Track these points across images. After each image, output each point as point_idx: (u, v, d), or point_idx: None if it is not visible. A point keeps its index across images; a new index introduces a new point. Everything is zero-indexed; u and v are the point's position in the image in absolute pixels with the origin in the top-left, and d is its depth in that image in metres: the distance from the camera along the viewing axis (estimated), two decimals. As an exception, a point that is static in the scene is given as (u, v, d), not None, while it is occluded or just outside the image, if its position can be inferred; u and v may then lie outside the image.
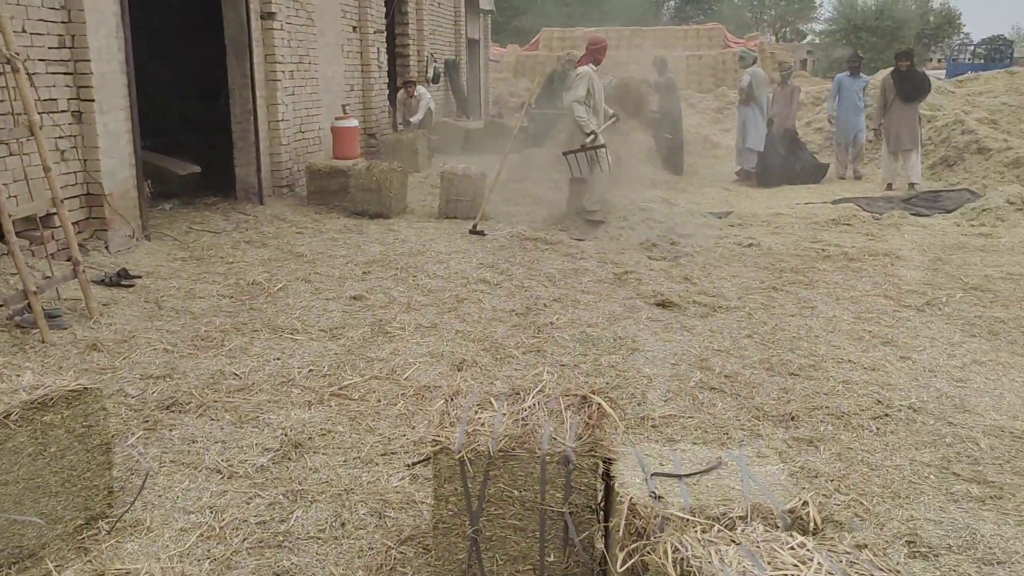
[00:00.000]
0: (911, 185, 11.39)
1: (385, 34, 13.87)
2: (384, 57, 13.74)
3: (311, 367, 4.73)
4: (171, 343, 5.10)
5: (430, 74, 16.09)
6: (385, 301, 6.06)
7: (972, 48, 60.59)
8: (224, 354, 4.93)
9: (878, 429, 4.00)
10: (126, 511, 3.13)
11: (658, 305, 6.07)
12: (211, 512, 3.17)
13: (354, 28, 12.59)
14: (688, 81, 29.57)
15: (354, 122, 10.44)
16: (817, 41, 68.02)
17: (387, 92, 14.03)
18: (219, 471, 3.50)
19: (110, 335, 5.20)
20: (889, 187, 11.83)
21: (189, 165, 9.98)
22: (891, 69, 12.23)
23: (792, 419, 4.09)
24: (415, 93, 13.85)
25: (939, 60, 75.54)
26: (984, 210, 9.23)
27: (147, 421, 3.98)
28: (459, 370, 4.77)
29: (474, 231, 8.46)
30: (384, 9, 13.78)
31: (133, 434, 3.83)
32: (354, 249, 7.75)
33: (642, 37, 34.46)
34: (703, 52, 33.20)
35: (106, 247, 6.98)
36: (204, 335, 5.25)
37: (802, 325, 5.65)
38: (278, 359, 4.88)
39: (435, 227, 8.96)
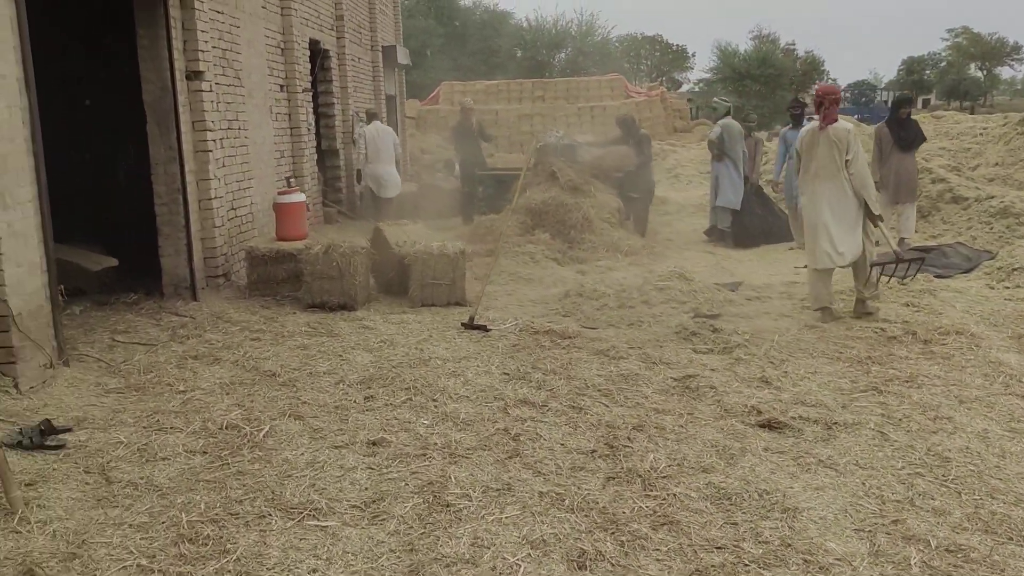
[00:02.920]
0: (901, 240, 10.63)
1: (312, 92, 12.39)
2: (312, 118, 12.24)
3: (373, 587, 3.19)
4: (146, 553, 3.46)
5: (357, 134, 14.60)
6: (417, 446, 4.55)
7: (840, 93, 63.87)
8: (231, 568, 3.32)
9: None
10: None
11: (763, 427, 4.83)
12: None
13: (282, 87, 11.09)
14: (593, 131, 29.10)
15: (301, 196, 8.89)
16: (696, 90, 70.15)
17: (316, 157, 12.50)
18: None
19: (48, 547, 3.50)
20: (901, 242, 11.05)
21: (103, 257, 8.22)
22: (885, 119, 11.53)
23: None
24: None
25: (805, 105, 79.39)
26: (1015, 269, 8.45)
27: None
28: (581, 568, 3.32)
29: (472, 325, 7.05)
30: (310, 65, 12.30)
31: None
32: (336, 361, 6.20)
33: (544, 89, 34.04)
34: (606, 103, 32.94)
35: (15, 385, 5.20)
36: (189, 531, 3.62)
37: (960, 448, 4.48)
38: (314, 572, 3.31)
39: (416, 321, 7.50)
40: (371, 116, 14.10)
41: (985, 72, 72.40)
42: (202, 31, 8.22)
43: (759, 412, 5.01)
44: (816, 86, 17.00)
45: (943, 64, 71.21)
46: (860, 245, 7.25)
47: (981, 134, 16.01)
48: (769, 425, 4.83)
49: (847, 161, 7.17)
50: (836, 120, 7.28)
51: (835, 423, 4.86)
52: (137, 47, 7.87)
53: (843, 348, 6.42)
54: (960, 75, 64.67)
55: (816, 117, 7.48)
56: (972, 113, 34.35)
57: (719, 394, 5.37)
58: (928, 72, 73.42)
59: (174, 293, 8.16)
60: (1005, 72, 77.70)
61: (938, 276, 8.81)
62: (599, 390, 5.48)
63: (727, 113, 12.59)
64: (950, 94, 67.52)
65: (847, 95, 52.19)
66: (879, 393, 5.39)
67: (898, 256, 7.91)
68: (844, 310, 7.50)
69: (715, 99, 13.64)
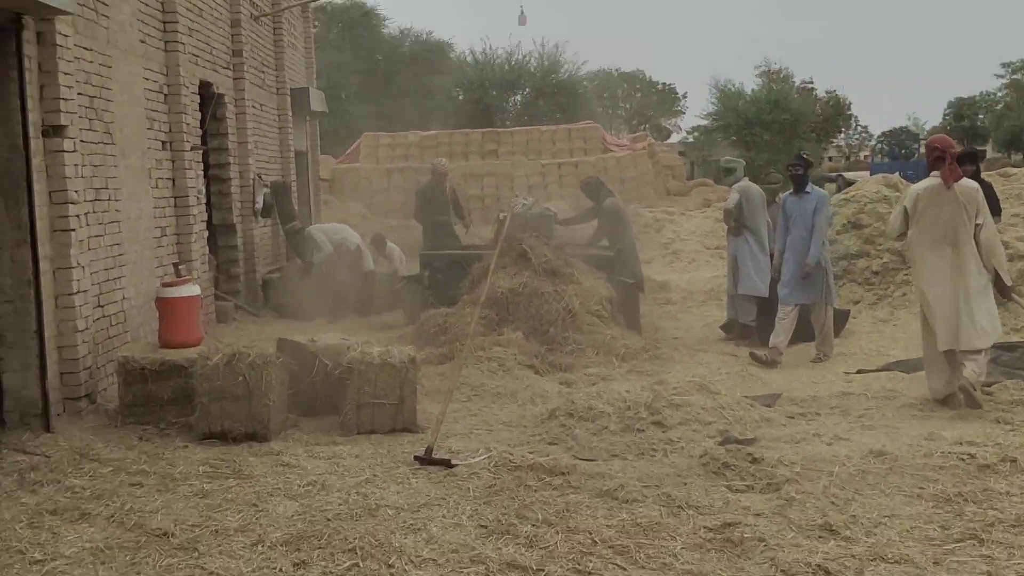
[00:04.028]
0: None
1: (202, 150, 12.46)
2: (203, 184, 12.27)
3: None
4: None
5: (259, 204, 14.67)
6: (374, 634, 4.42)
7: (872, 143, 65.92)
8: None
9: None
10: None
11: (834, 595, 4.78)
12: None
13: (164, 144, 11.14)
14: (564, 195, 29.51)
15: (194, 288, 8.85)
16: (691, 140, 72.10)
17: (207, 235, 12.48)
18: None
19: None
20: None
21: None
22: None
23: None
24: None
25: (829, 158, 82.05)
26: None
27: None
28: None
29: (430, 460, 6.99)
30: (199, 115, 12.39)
31: None
32: (250, 513, 6.06)
33: (497, 141, 34.64)
34: (578, 158, 33.58)
35: None
36: None
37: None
38: None
39: (353, 454, 7.42)
40: (277, 190, 14.47)
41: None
42: (65, 73, 8.29)
43: (828, 573, 4.97)
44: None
45: (999, 106, 74.11)
46: (997, 320, 8.10)
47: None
48: (842, 592, 4.79)
49: (978, 226, 7.94)
50: (962, 177, 7.90)
51: (932, 589, 4.84)
52: (-23, 95, 7.88)
53: (923, 481, 6.44)
54: (1022, 120, 67.35)
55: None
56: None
57: (770, 549, 5.33)
58: (982, 116, 76.37)
59: (20, 422, 8.03)
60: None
61: (1026, 380, 8.95)
62: (611, 547, 5.41)
63: (743, 175, 12.90)
64: (1010, 144, 70.01)
65: (881, 146, 53.94)
66: (980, 543, 5.40)
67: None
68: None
69: (726, 159, 13.97)
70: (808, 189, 11.35)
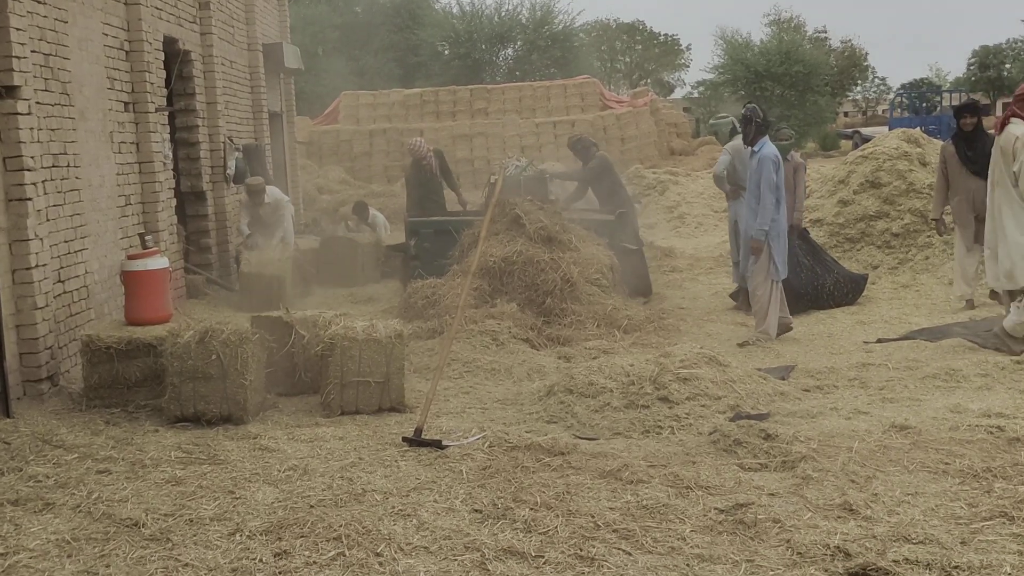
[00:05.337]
0: (993, 293, 10.89)
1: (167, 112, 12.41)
2: (169, 149, 12.24)
3: None
4: None
5: (231, 170, 14.65)
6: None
7: (893, 97, 65.66)
8: None
9: None
10: None
11: (856, 576, 4.82)
12: None
13: (127, 105, 11.10)
14: (560, 156, 29.47)
15: (162, 261, 8.85)
16: (696, 95, 71.99)
17: (175, 203, 12.46)
18: None
19: None
20: (969, 304, 11.30)
21: None
22: (952, 134, 11.92)
23: None
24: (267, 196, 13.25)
25: (845, 114, 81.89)
26: None
27: None
28: None
29: (419, 441, 7.04)
30: (164, 74, 12.34)
31: None
32: (227, 500, 6.09)
33: (487, 99, 34.59)
34: (575, 116, 33.57)
35: None
36: None
37: None
38: None
39: (337, 436, 7.46)
40: (250, 154, 14.40)
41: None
42: (17, 28, 8.29)
43: (847, 555, 5.00)
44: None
45: (1028, 54, 74.12)
46: None
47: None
48: (864, 574, 4.83)
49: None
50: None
51: (956, 567, 4.87)
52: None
53: (948, 457, 6.47)
54: (1052, 69, 67.40)
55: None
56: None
57: (787, 530, 5.36)
58: (1008, 66, 76.25)
59: (-24, 407, 8.01)
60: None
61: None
62: (615, 531, 5.44)
63: (731, 132, 12.93)
64: (1040, 94, 69.84)
65: (900, 99, 53.77)
66: (1010, 520, 5.42)
67: None
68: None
69: (714, 118, 14.01)
70: (756, 147, 10.78)
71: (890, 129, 30.54)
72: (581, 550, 5.20)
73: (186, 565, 5.16)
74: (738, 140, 12.72)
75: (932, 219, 12.41)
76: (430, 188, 14.28)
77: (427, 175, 14.36)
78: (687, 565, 4.99)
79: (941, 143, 13.28)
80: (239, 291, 13.17)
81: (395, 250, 13.66)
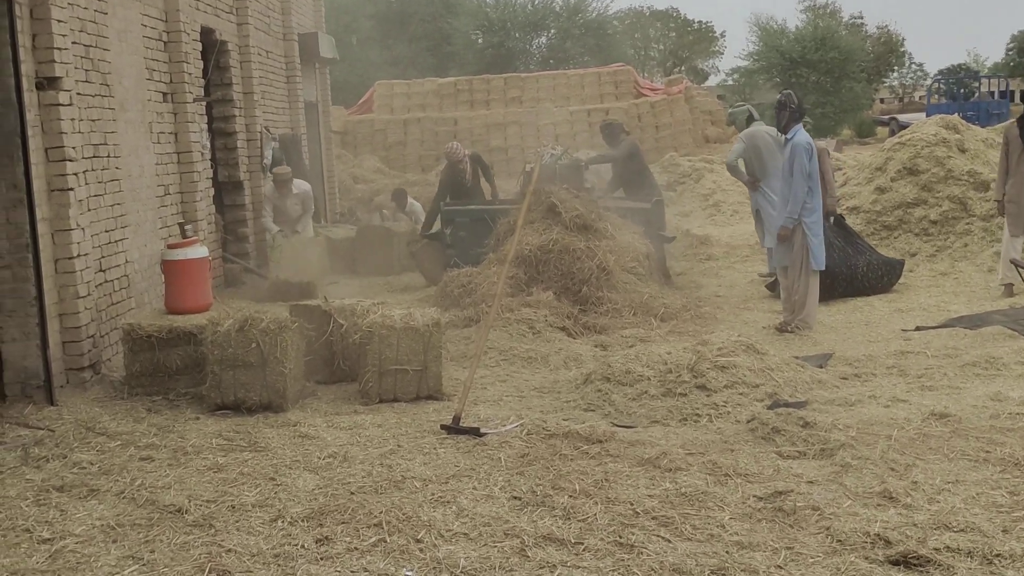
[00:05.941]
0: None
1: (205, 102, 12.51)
2: (207, 139, 12.33)
3: None
4: None
5: (267, 159, 14.73)
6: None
7: (930, 83, 65.14)
8: None
9: None
10: None
11: (896, 564, 4.85)
12: None
13: (165, 95, 11.18)
14: (594, 144, 29.42)
15: (202, 250, 8.93)
16: (730, 83, 71.58)
17: (212, 193, 12.56)
18: None
19: None
20: (1009, 291, 11.22)
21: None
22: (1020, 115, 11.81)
23: None
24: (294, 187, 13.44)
25: (881, 100, 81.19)
26: None
27: None
28: None
29: (458, 428, 7.07)
30: (202, 64, 12.42)
31: None
32: (268, 487, 6.15)
33: (520, 88, 34.50)
34: (609, 104, 33.46)
35: None
36: None
37: None
38: None
39: (376, 424, 7.52)
40: (287, 144, 14.48)
41: None
42: (58, 20, 8.35)
43: (888, 543, 4.99)
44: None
45: (1070, 39, 73.18)
46: None
47: None
48: (905, 562, 4.82)
49: None
50: None
51: (998, 555, 4.86)
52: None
53: (989, 444, 6.46)
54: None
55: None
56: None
57: (826, 518, 5.36)
58: (1048, 51, 75.33)
59: (21, 394, 8.16)
60: None
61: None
62: (654, 518, 5.46)
63: (748, 120, 12.90)
64: (1080, 81, 69.15)
65: (938, 85, 53.29)
66: (1054, 510, 5.41)
67: None
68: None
69: (731, 107, 13.96)
70: (789, 135, 10.50)
71: (927, 116, 30.30)
72: (620, 537, 5.22)
73: (229, 551, 5.21)
74: (753, 128, 12.71)
75: (995, 200, 12.24)
76: (461, 192, 14.27)
77: (459, 178, 14.38)
78: (726, 552, 5.00)
79: (1000, 127, 13.16)
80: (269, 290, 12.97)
81: (432, 238, 13.68)
